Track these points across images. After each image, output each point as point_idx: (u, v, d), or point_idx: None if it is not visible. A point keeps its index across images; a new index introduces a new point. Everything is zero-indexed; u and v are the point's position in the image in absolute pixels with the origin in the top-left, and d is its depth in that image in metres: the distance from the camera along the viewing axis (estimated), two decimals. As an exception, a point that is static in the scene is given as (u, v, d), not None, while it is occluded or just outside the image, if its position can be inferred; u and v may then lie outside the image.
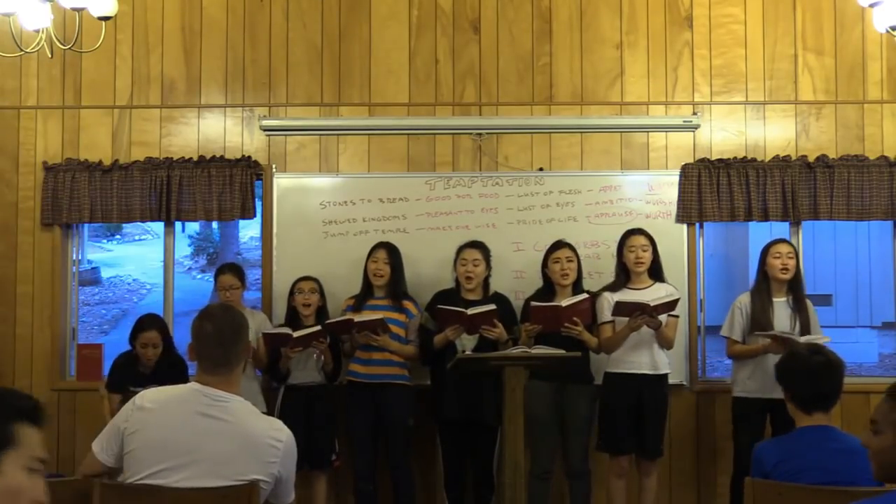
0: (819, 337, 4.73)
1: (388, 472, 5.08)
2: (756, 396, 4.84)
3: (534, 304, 4.85)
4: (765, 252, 5.00)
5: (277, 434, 2.60)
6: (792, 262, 4.91)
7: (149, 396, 2.64)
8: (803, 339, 4.60)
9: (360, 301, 5.09)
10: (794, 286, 4.94)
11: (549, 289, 4.99)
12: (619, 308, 4.77)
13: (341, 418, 5.12)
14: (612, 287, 4.98)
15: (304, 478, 5.03)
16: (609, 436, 4.91)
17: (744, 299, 5.01)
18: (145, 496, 2.53)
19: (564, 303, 4.77)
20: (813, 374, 2.93)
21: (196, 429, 2.54)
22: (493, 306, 4.80)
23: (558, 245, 5.02)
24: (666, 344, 4.92)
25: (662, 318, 4.80)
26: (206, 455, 2.52)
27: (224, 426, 2.54)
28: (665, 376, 4.96)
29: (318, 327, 4.89)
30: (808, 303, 4.98)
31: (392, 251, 5.09)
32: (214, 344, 2.61)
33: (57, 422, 5.56)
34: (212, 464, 2.52)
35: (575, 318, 4.75)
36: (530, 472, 4.87)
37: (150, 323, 4.89)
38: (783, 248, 4.95)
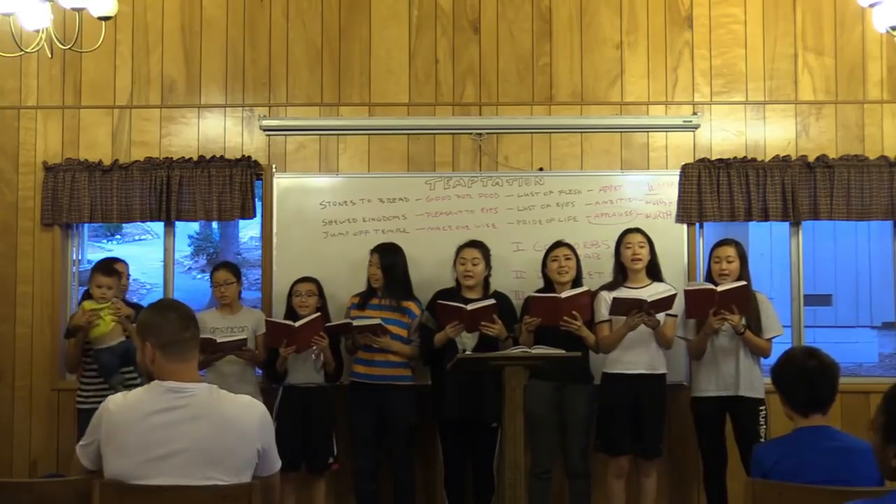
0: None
1: (389, 472, 5.08)
2: (712, 395, 4.84)
3: (533, 294, 4.88)
4: (710, 253, 4.94)
5: (250, 409, 2.65)
6: (733, 266, 4.80)
7: (114, 400, 2.64)
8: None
9: (364, 300, 5.10)
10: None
11: (549, 289, 5.00)
12: (616, 305, 4.75)
13: (340, 419, 5.11)
14: (610, 286, 4.98)
15: (302, 482, 5.04)
16: (607, 436, 4.91)
17: None
18: (145, 496, 2.53)
19: (564, 294, 4.77)
20: (807, 379, 2.91)
21: (169, 423, 2.54)
22: (492, 301, 4.81)
23: (556, 245, 5.05)
24: (665, 343, 4.92)
25: (661, 317, 4.79)
26: (187, 445, 2.53)
27: (196, 414, 2.56)
28: (663, 376, 4.95)
29: (318, 314, 4.92)
30: (761, 297, 4.87)
31: (384, 254, 5.07)
32: (181, 328, 2.63)
33: (57, 422, 5.57)
34: (194, 452, 2.53)
35: (574, 312, 4.75)
36: (530, 471, 4.87)
37: None
38: (723, 252, 4.85)
